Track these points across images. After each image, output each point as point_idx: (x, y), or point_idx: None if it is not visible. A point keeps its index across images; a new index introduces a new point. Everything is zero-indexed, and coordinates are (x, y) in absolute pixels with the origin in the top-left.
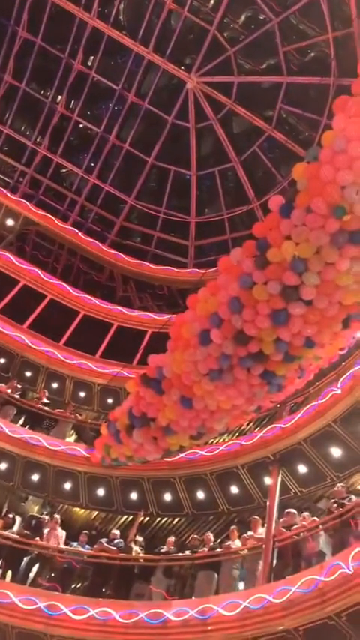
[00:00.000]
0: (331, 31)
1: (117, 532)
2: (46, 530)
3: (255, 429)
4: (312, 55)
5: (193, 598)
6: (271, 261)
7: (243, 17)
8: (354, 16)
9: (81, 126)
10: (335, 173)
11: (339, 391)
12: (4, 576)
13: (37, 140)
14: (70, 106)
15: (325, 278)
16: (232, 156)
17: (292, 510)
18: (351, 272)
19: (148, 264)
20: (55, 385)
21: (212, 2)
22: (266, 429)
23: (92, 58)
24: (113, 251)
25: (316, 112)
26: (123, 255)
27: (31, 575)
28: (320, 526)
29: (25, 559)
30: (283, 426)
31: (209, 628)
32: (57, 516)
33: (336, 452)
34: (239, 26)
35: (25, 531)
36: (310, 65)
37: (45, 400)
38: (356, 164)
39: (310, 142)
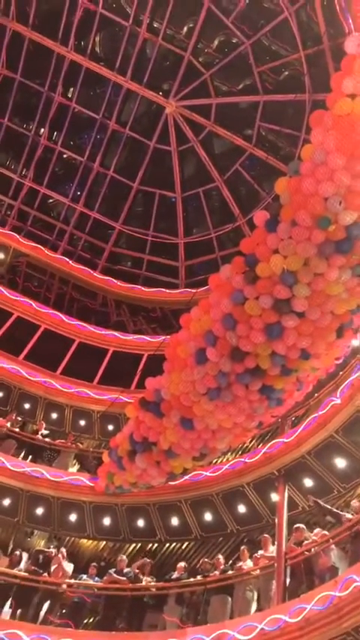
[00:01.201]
0: (302, 49)
1: (124, 558)
2: (53, 567)
3: (258, 445)
4: (286, 73)
5: (208, 624)
6: (260, 275)
7: (216, 42)
8: (323, 32)
9: (65, 156)
10: (317, 185)
11: (338, 401)
12: (14, 616)
13: (23, 173)
14: (53, 138)
15: (315, 289)
16: (215, 176)
17: (301, 525)
18: (340, 281)
19: (140, 287)
20: (54, 415)
21: (185, 29)
22: (269, 445)
23: (72, 89)
24: (105, 277)
25: (294, 128)
26: (115, 281)
27: (42, 612)
28: (331, 540)
29: (35, 596)
30: (285, 440)
31: None
32: (63, 550)
33: (340, 463)
34: (213, 50)
35: (33, 567)
36: (284, 83)
37: (44, 431)
38: (336, 175)
39: (290, 157)
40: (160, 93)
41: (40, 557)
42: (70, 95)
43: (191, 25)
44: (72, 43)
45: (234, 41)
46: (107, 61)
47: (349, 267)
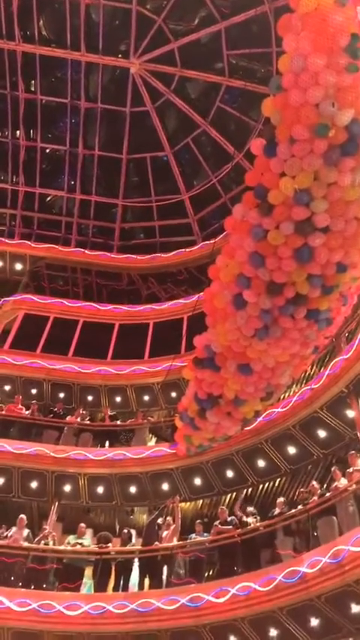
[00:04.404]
0: None
1: (224, 508)
2: (164, 533)
3: (320, 369)
4: None
5: (322, 546)
6: (274, 203)
7: None
8: None
9: (47, 151)
10: (304, 94)
11: None
12: (142, 586)
13: (14, 180)
14: (31, 136)
15: (332, 200)
16: (198, 120)
17: None
18: (356, 184)
19: (159, 255)
20: (118, 399)
21: None
22: (331, 365)
23: (33, 82)
24: (123, 255)
25: (264, 45)
26: (134, 256)
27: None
28: None
29: (154, 564)
30: (345, 356)
31: (347, 568)
32: (169, 518)
33: None
34: None
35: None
36: (240, 2)
37: (110, 413)
38: (321, 77)
39: (268, 76)
40: (120, 55)
41: (156, 525)
42: (33, 88)
43: None
44: (18, 35)
45: None
46: (58, 42)
47: None
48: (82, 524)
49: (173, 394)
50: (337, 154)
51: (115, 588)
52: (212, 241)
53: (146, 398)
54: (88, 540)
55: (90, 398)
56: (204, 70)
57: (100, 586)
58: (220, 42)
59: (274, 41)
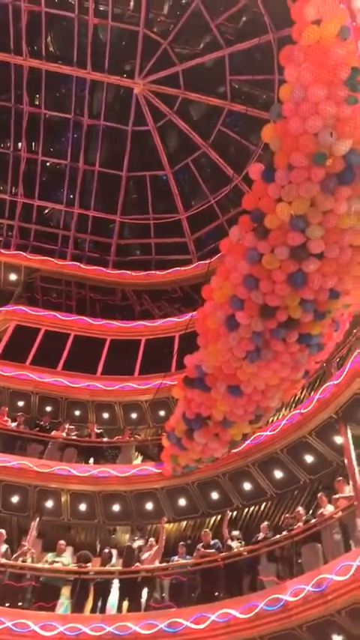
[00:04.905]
0: None
1: (208, 531)
2: (145, 555)
3: (310, 393)
4: (244, 19)
5: (306, 573)
6: (270, 228)
7: (166, 7)
8: None
9: (48, 164)
10: (304, 123)
11: None
12: (120, 609)
13: (13, 191)
14: (33, 149)
15: (328, 227)
16: (199, 142)
17: None
18: (351, 212)
19: (154, 272)
20: (105, 415)
21: (132, 4)
22: (321, 390)
23: (38, 96)
24: (118, 271)
25: (267, 72)
26: (129, 272)
27: (143, 600)
28: None
29: (134, 586)
30: (335, 382)
31: (329, 598)
32: (151, 539)
33: None
34: (165, 17)
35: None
36: (245, 29)
37: (96, 431)
38: (321, 107)
39: (269, 103)
40: (125, 75)
41: (135, 547)
42: (37, 102)
43: None
44: (26, 51)
45: (183, 1)
46: (64, 59)
47: (357, 196)
48: (62, 542)
49: (162, 413)
50: (333, 182)
51: (93, 609)
52: (207, 261)
53: (134, 415)
54: (67, 558)
55: (77, 413)
56: (207, 93)
57: (77, 606)
58: (223, 67)
59: (277, 69)
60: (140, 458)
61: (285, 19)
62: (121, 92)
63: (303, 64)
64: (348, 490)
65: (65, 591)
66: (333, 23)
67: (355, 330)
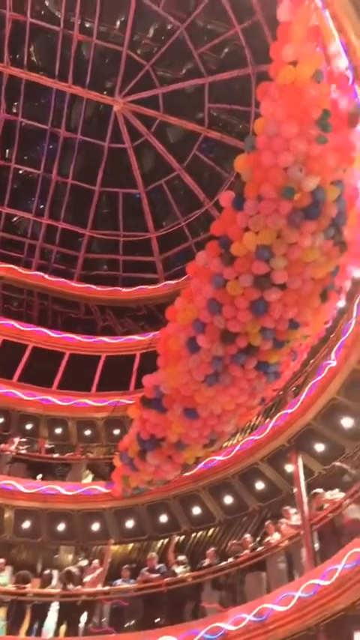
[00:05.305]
0: (238, 23)
1: (154, 555)
2: (87, 578)
3: (265, 420)
4: (226, 50)
5: (248, 602)
6: (236, 255)
7: (151, 31)
8: (255, 3)
9: (21, 172)
10: (275, 157)
11: (334, 363)
12: (57, 633)
13: None
14: (6, 156)
15: (291, 259)
16: (174, 165)
17: (319, 491)
18: (315, 247)
19: (120, 289)
20: (58, 430)
21: (118, 24)
22: (275, 418)
23: (16, 104)
24: (83, 285)
25: (244, 103)
26: (94, 287)
27: (82, 625)
28: (349, 499)
29: (74, 610)
30: (290, 410)
31: (270, 628)
32: (95, 561)
33: (347, 422)
34: (150, 40)
35: (68, 583)
36: (227, 60)
37: (47, 446)
38: (292, 144)
39: (245, 133)
40: (105, 92)
41: (75, 570)
42: (15, 110)
43: (123, 19)
44: (7, 58)
45: (169, 27)
46: (46, 70)
47: (321, 231)
48: (1, 560)
49: (116, 431)
50: (300, 216)
51: (29, 632)
52: (174, 282)
53: (88, 432)
54: (5, 578)
55: (29, 427)
56: (185, 117)
57: (12, 628)
58: (203, 94)
59: (254, 102)
60: (91, 476)
61: (265, 55)
62: (101, 108)
63: (278, 101)
64: (295, 519)
65: (1, 612)
66: (309, 66)
67: (312, 361)
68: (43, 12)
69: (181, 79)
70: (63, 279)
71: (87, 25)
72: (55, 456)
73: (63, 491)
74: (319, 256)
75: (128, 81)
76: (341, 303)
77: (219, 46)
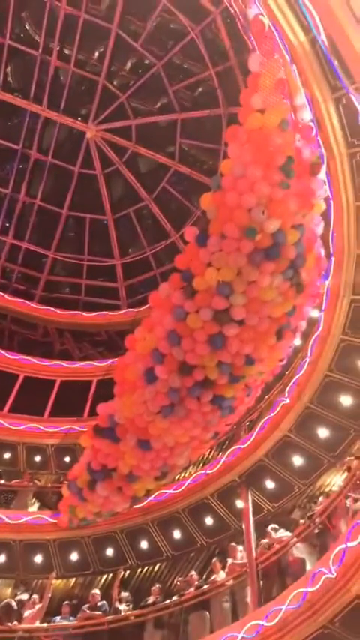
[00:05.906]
0: (212, 66)
1: (97, 591)
2: (26, 612)
3: (218, 454)
4: (200, 89)
5: None
6: (198, 289)
7: (129, 64)
8: (228, 49)
9: None
10: (239, 197)
11: (288, 400)
12: None
13: None
14: None
15: (250, 296)
16: (143, 195)
17: (268, 529)
18: (273, 286)
19: (81, 313)
20: (6, 455)
21: (97, 54)
22: (228, 453)
23: None
24: (43, 307)
25: (214, 142)
26: (54, 309)
27: None
28: (295, 538)
29: None
30: (242, 446)
31: None
32: (35, 596)
33: (297, 460)
34: (126, 73)
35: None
36: (200, 99)
37: None
38: (256, 186)
39: (213, 170)
40: (79, 118)
41: (14, 604)
42: None
43: (102, 50)
44: None
45: (146, 62)
46: (21, 91)
47: (280, 271)
48: None
49: (67, 459)
50: (260, 256)
51: None
52: (136, 310)
53: (37, 459)
54: None
55: None
56: (156, 150)
57: None
58: (175, 129)
59: (223, 141)
60: (37, 505)
61: (236, 98)
62: (74, 133)
63: (245, 145)
64: (241, 557)
65: None
66: (276, 115)
67: (266, 397)
68: (22, 35)
69: (155, 113)
70: (23, 300)
71: (66, 51)
72: (1, 482)
73: (6, 519)
74: (276, 296)
75: (103, 109)
76: (297, 342)
77: (194, 85)
